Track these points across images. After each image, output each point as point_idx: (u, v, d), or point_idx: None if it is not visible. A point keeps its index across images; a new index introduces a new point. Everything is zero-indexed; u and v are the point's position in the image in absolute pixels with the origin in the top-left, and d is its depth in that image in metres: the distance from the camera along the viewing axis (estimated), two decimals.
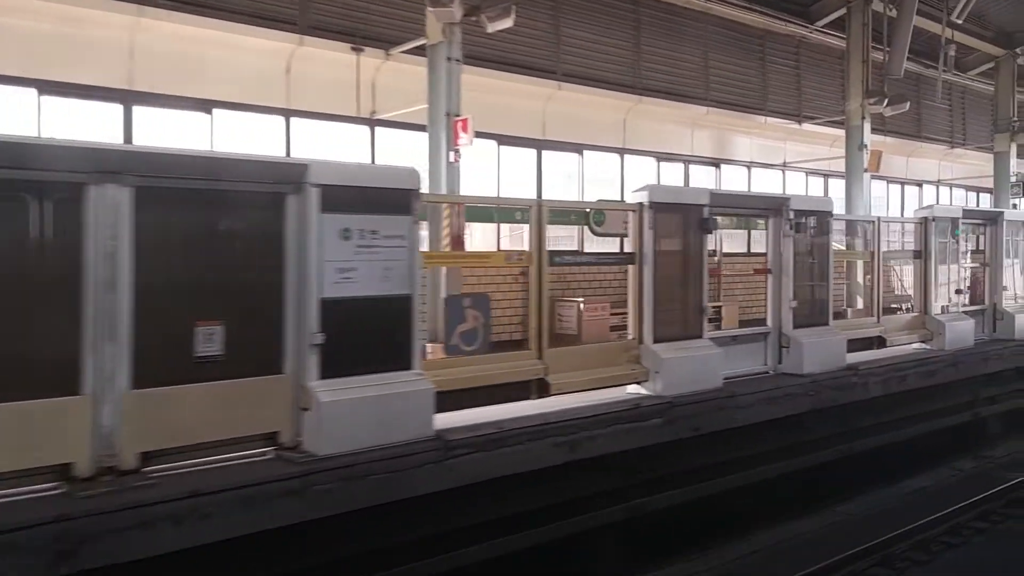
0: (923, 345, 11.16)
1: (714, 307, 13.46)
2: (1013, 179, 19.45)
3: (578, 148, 12.96)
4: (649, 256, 7.50)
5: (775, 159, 16.45)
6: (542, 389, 6.69)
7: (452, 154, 9.14)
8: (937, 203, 21.00)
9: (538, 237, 6.71)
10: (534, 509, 6.21)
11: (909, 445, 10.50)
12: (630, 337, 7.60)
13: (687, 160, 14.75)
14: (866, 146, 15.19)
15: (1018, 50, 19.18)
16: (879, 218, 10.26)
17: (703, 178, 15.30)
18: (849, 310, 13.89)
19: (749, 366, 8.98)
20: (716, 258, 11.02)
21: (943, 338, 10.98)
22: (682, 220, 7.93)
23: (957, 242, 11.25)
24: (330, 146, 10.06)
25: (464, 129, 9.03)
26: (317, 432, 5.25)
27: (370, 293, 5.55)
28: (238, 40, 9.08)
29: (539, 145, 12.47)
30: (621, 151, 13.63)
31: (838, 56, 16.27)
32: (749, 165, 15.92)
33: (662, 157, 14.25)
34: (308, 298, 5.31)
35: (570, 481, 6.58)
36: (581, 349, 7.15)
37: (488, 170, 12.18)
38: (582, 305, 11.77)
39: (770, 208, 8.97)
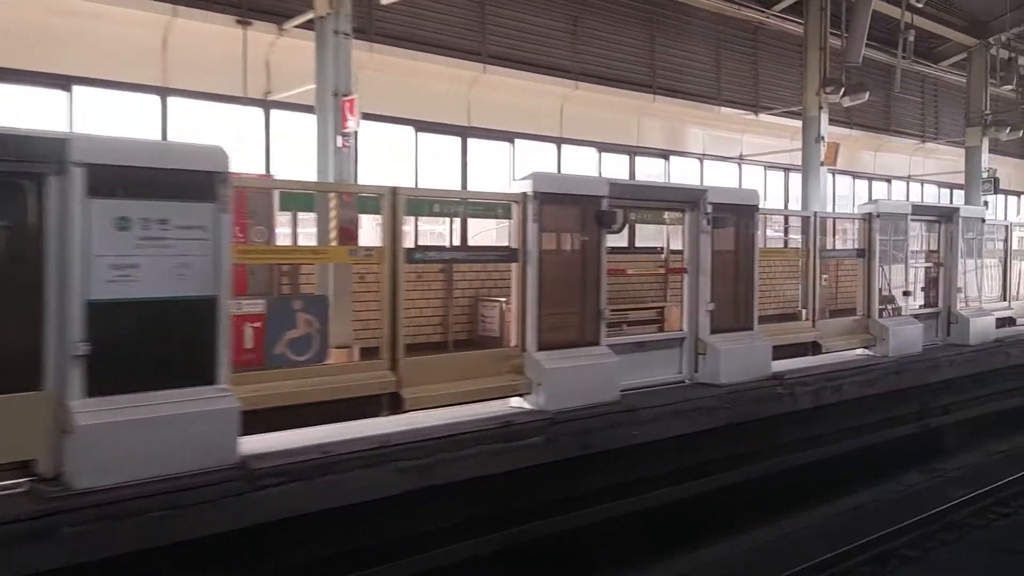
0: (866, 351, 10.37)
1: (656, 308, 12.78)
2: (985, 175, 18.67)
3: (509, 136, 12.12)
4: (533, 253, 6.65)
5: (731, 151, 15.62)
6: (394, 405, 5.85)
7: (339, 138, 8.27)
8: (908, 199, 20.22)
9: (392, 230, 5.86)
10: (370, 546, 5.38)
11: (850, 460, 9.73)
12: (512, 344, 6.77)
13: (633, 151, 13.92)
14: (823, 138, 14.37)
15: (991, 40, 18.38)
16: (816, 213, 9.43)
17: (652, 171, 14.48)
18: (803, 311, 13.13)
19: (661, 375, 8.17)
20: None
21: (887, 344, 10.18)
22: (575, 213, 7.09)
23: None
24: (218, 129, 9.18)
25: (351, 111, 8.16)
26: (78, 460, 4.41)
27: (158, 295, 4.70)
28: (103, 9, 8.19)
29: (464, 132, 11.61)
30: (558, 140, 12.79)
31: (798, 43, 15.44)
32: (702, 157, 15.09)
33: (604, 147, 13.41)
34: (70, 300, 4.45)
35: (424, 512, 5.76)
36: (448, 358, 6.31)
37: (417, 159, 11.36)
38: (506, 305, 10.92)
39: (686, 201, 8.14)
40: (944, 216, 11.58)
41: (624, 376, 7.60)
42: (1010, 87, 18.40)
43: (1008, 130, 18.11)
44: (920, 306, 11.44)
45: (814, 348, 9.56)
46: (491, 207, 8.03)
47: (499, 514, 6.08)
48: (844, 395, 9.31)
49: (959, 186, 20.27)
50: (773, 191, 16.74)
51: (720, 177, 15.72)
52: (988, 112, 18.53)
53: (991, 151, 22.56)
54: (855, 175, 18.72)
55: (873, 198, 18.47)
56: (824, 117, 14.36)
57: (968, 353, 11.34)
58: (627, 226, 12.89)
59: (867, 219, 10.22)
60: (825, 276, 13.04)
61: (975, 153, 18.71)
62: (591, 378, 6.87)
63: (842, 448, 9.37)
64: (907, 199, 20.08)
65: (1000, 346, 12.03)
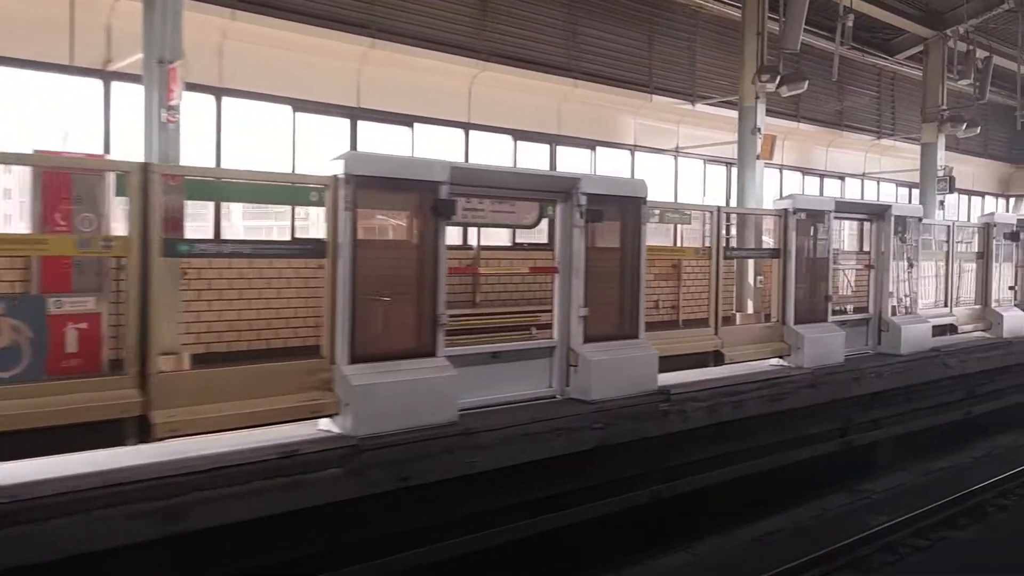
0: (780, 361, 9.41)
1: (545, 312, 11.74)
2: (940, 173, 17.80)
3: (407, 120, 11.06)
4: (345, 247, 5.61)
5: (666, 143, 14.64)
6: (143, 432, 4.80)
7: (164, 112, 7.19)
8: (862, 198, 19.34)
9: (141, 216, 4.80)
10: None
11: (759, 483, 8.78)
12: (323, 355, 5.73)
13: (553, 139, 12.90)
14: (759, 130, 13.41)
15: (948, 32, 17.50)
16: (719, 208, 8.42)
17: (577, 162, 13.48)
18: (738, 315, 12.19)
19: (529, 390, 7.16)
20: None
21: (802, 353, 9.22)
22: (405, 201, 6.06)
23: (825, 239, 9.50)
24: (40, 103, 8.09)
25: (175, 81, 7.09)
26: None
27: None
28: None
29: (353, 115, 10.55)
30: (465, 125, 11.75)
31: (738, 29, 14.45)
32: (633, 148, 14.09)
33: (520, 135, 12.38)
34: None
35: (176, 562, 4.72)
36: (228, 373, 5.25)
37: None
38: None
39: (553, 190, 7.12)
40: (874, 214, 10.63)
41: (480, 392, 6.62)
42: (968, 81, 17.52)
43: (964, 126, 17.22)
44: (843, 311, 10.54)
45: (716, 359, 8.58)
46: (297, 193, 6.95)
47: (273, 566, 5.06)
48: (747, 411, 8.33)
49: (917, 184, 19.41)
50: (714, 186, 15.79)
51: (656, 171, 14.77)
52: (944, 107, 17.63)
53: (956, 150, 21.81)
54: (805, 171, 17.80)
55: (826, 196, 17.56)
56: (761, 108, 13.39)
57: (898, 364, 10.40)
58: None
59: (783, 216, 9.24)
60: (760, 277, 12.19)
61: (930, 150, 17.81)
62: (418, 395, 5.83)
63: (747, 470, 8.41)
64: (861, 198, 19.24)
65: (936, 356, 11.11)
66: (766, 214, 9.55)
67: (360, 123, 10.64)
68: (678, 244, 13.35)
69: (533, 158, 12.51)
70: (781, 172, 17.02)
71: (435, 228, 6.07)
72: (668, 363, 8.13)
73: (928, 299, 12.40)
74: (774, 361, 9.39)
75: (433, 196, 6.01)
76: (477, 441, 6.02)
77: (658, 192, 14.44)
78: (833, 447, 9.82)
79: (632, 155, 14.05)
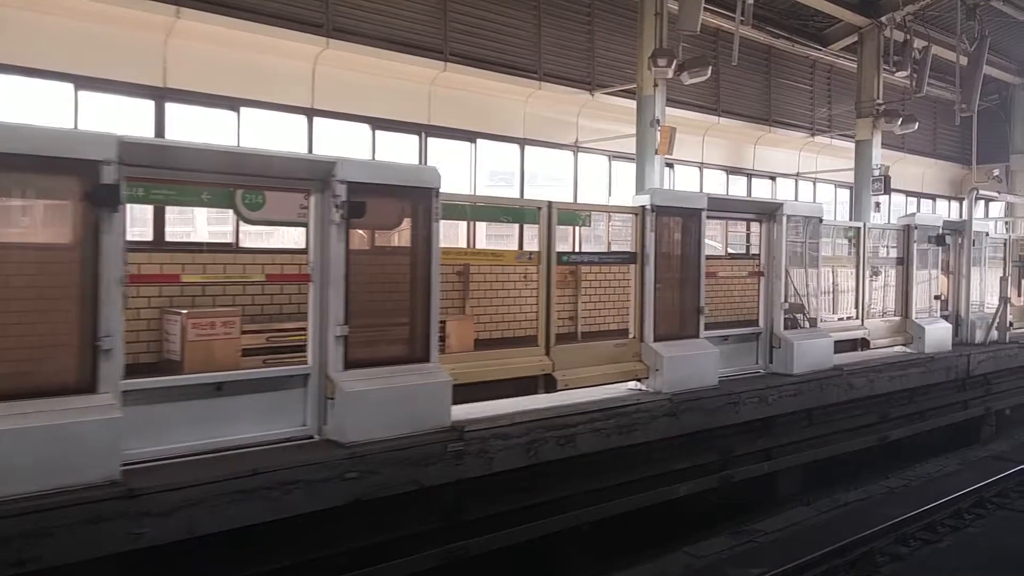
0: (638, 385, 8.02)
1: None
2: (876, 172, 16.55)
3: (233, 104, 9.62)
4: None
5: (564, 137, 13.25)
6: None
7: None
8: (796, 199, 18.05)
9: None
10: None
11: (617, 528, 7.40)
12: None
13: (423, 129, 11.48)
14: (658, 122, 12.06)
15: (883, 20, 16.25)
16: (551, 203, 7.02)
17: (458, 155, 12.08)
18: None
19: (282, 428, 5.71)
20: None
21: (662, 376, 7.84)
22: (46, 186, 4.62)
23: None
24: None
25: None
26: None
27: None
28: None
29: (158, 95, 9.10)
30: (309, 112, 10.32)
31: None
32: (522, 142, 12.72)
33: (381, 124, 10.96)
34: None
35: None
36: None
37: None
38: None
39: (309, 179, 5.70)
40: (764, 213, 9.27)
41: (195, 435, 5.20)
42: (905, 74, 16.27)
43: (900, 121, 15.95)
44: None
45: (547, 384, 7.17)
46: None
47: None
48: (580, 448, 6.94)
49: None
50: (625, 184, 14.41)
51: (557, 166, 13.40)
52: (880, 102, 16.36)
53: (902, 150, 20.61)
54: (731, 171, 16.46)
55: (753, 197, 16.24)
56: (660, 97, 12.03)
57: (789, 386, 9.05)
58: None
59: (639, 214, 7.86)
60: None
61: (865, 148, 16.51)
62: (55, 445, 4.39)
63: (581, 518, 6.96)
64: (795, 199, 17.95)
65: (839, 375, 9.77)
66: (616, 211, 8.15)
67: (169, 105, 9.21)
68: (576, 248, 11.95)
69: (398, 151, 11.09)
70: (701, 171, 15.68)
71: (96, 222, 4.63)
72: (481, 391, 6.73)
73: (844, 310, 11.12)
74: (632, 384, 8.02)
75: (90, 180, 4.58)
76: (145, 506, 4.57)
77: (558, 192, 13.21)
78: (708, 483, 8.45)
79: (522, 149, 12.65)
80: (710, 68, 11.83)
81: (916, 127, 16.58)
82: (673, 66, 11.50)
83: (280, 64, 9.91)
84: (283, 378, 5.72)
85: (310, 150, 10.08)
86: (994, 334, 13.06)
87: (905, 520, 8.13)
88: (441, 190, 6.12)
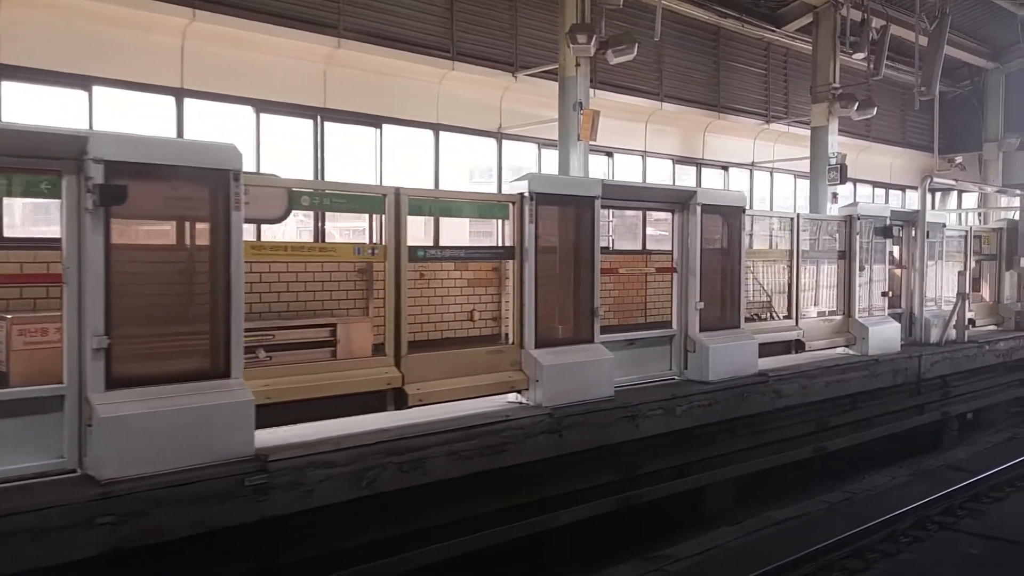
0: (518, 398, 7.04)
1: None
2: (832, 160, 15.61)
3: (84, 82, 8.58)
4: None
5: (486, 123, 12.24)
6: None
7: None
8: (751, 189, 17.09)
9: None
10: None
11: (479, 563, 6.41)
12: None
13: (318, 113, 10.45)
14: (581, 105, 11.09)
15: None
16: (398, 190, 5.99)
17: (364, 143, 11.08)
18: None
19: (27, 462, 4.73)
20: None
21: (541, 387, 6.86)
22: None
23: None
24: None
25: None
26: None
27: None
28: None
29: None
30: (178, 92, 9.28)
31: None
32: (436, 127, 11.71)
33: (266, 107, 9.93)
34: None
35: None
36: None
37: None
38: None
39: (56, 157, 4.68)
40: (675, 202, 8.28)
41: None
42: (863, 55, 15.29)
43: (857, 106, 14.97)
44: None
45: (397, 400, 6.19)
46: None
47: None
48: (429, 474, 5.94)
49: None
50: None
51: (481, 153, 12.41)
52: (837, 85, 15.39)
53: (867, 138, 19.66)
54: (677, 160, 15.48)
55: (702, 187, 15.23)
56: (583, 78, 11.04)
57: (702, 395, 8.08)
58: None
59: (517, 203, 6.87)
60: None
61: (821, 134, 15.52)
62: None
63: (431, 556, 5.97)
64: (750, 189, 17.01)
65: (764, 382, 8.81)
66: (488, 200, 7.13)
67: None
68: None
69: (292, 136, 10.08)
70: (644, 160, 14.69)
71: None
72: (320, 410, 5.75)
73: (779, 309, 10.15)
74: (512, 397, 7.04)
75: None
76: None
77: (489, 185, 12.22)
78: (603, 507, 7.47)
79: (436, 136, 11.64)
80: (636, 46, 10.83)
81: (875, 112, 15.58)
82: (594, 43, 10.50)
83: (141, 38, 8.87)
84: (39, 399, 4.72)
85: (178, 133, 9.07)
86: (951, 333, 12.13)
87: (831, 545, 7.20)
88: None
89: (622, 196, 7.77)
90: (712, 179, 16.21)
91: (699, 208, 8.16)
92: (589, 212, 7.22)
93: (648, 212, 12.64)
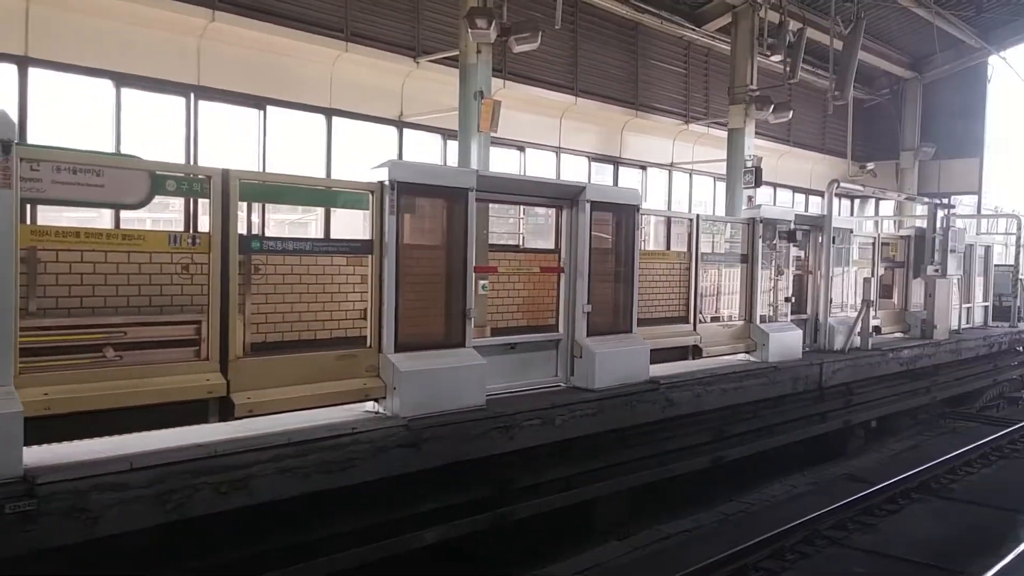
0: (376, 407, 6.39)
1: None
2: (748, 163, 15.41)
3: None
4: None
5: (384, 110, 11.55)
6: None
7: None
8: (669, 191, 16.80)
9: None
10: None
11: None
12: None
13: (192, 91, 9.59)
14: (482, 94, 10.52)
15: None
16: (227, 172, 5.27)
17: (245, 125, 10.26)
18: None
19: None
20: None
21: (398, 396, 6.20)
22: None
23: None
24: None
25: None
26: None
27: None
28: None
29: None
30: (21, 60, 8.34)
31: None
32: (329, 112, 10.98)
33: (126, 81, 9.01)
34: None
35: None
36: None
37: None
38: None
39: None
40: (562, 198, 7.76)
41: None
42: (779, 58, 15.12)
43: (772, 108, 14.78)
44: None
45: (222, 410, 5.48)
46: None
47: None
48: (255, 496, 5.22)
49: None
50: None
51: (381, 142, 11.70)
52: (754, 87, 15.18)
53: (787, 142, 19.62)
54: (593, 157, 15.05)
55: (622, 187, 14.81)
56: (484, 66, 10.45)
57: (586, 403, 7.56)
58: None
59: (378, 192, 6.22)
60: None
61: (737, 137, 15.28)
62: None
63: None
64: (668, 190, 16.73)
65: (653, 390, 8.36)
66: (343, 188, 6.44)
67: None
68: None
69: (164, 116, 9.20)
70: (558, 156, 14.21)
71: None
72: (113, 423, 4.98)
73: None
74: (369, 406, 6.39)
75: None
76: None
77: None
78: (470, 526, 6.87)
79: (328, 120, 10.88)
80: (540, 34, 10.28)
81: (791, 116, 15.44)
82: (494, 28, 9.92)
83: None
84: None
85: (23, 109, 8.12)
86: (856, 340, 11.97)
87: (718, 561, 6.76)
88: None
89: (500, 189, 7.19)
90: (630, 179, 15.84)
91: (588, 205, 7.65)
92: (462, 205, 6.61)
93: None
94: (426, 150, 12.21)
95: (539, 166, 13.97)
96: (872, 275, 12.72)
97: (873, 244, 13.28)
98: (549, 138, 14.01)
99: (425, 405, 6.26)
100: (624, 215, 8.13)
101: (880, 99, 22.31)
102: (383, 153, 11.73)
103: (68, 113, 8.60)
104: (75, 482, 4.44)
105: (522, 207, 9.96)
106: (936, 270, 13.60)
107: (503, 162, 13.07)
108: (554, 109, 13.81)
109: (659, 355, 8.92)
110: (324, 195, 6.49)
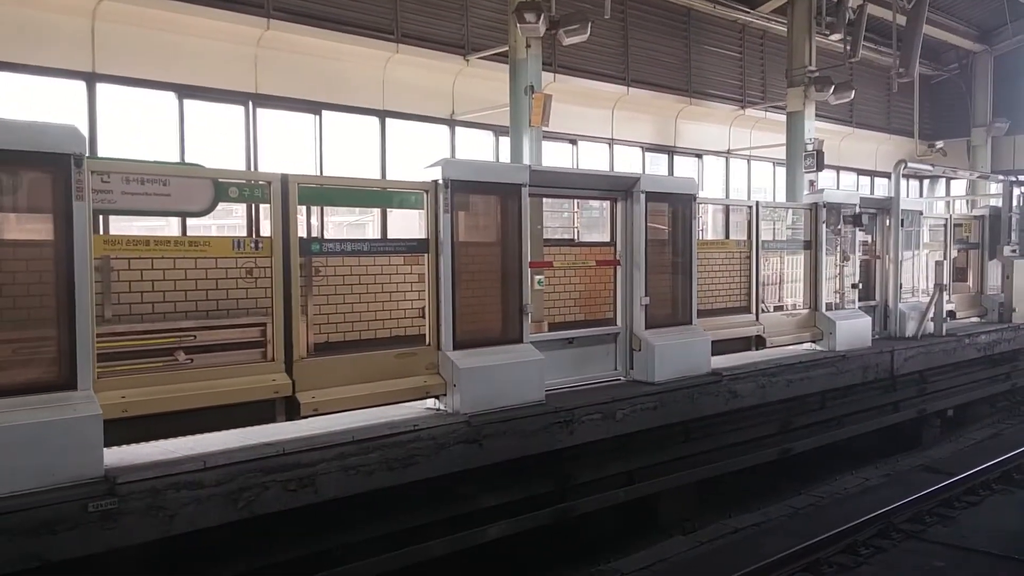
0: (436, 404, 6.43)
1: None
2: (809, 147, 14.97)
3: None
4: None
5: (437, 109, 11.62)
6: None
7: None
8: (727, 179, 16.48)
9: None
10: None
11: None
12: None
13: (251, 100, 9.81)
14: (532, 88, 10.48)
15: None
16: (286, 177, 5.34)
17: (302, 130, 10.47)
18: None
19: None
20: None
21: (459, 392, 6.19)
22: None
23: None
24: None
25: None
26: None
27: None
28: None
29: None
30: (89, 77, 8.62)
31: None
32: (382, 114, 11.08)
33: (188, 93, 9.20)
34: None
35: None
36: None
37: None
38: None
39: None
40: (616, 190, 7.66)
41: None
42: (839, 36, 14.65)
43: (833, 89, 14.33)
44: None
45: (289, 409, 5.57)
46: None
47: None
48: (321, 493, 5.33)
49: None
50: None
51: (434, 142, 11.79)
52: (813, 68, 14.74)
53: (849, 123, 19.01)
54: (647, 147, 14.85)
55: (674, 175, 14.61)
56: (535, 60, 10.43)
57: (646, 397, 7.41)
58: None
59: (432, 191, 6.23)
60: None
61: (797, 120, 14.86)
62: None
63: None
64: (726, 177, 16.40)
65: (716, 382, 8.10)
66: (398, 189, 6.48)
67: None
68: None
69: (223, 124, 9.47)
70: (611, 147, 14.08)
71: None
72: (186, 423, 5.15)
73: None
74: (430, 403, 6.44)
75: None
76: None
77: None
78: (535, 521, 6.87)
79: (382, 122, 11.01)
80: (589, 25, 10.20)
81: (852, 96, 14.94)
82: (543, 22, 9.88)
83: (40, 17, 8.24)
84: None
85: (92, 124, 8.47)
86: (928, 326, 11.53)
87: (789, 556, 6.61)
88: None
89: (554, 183, 7.16)
90: (686, 167, 15.60)
91: (643, 196, 7.56)
92: (515, 201, 6.61)
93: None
94: (478, 147, 12.25)
95: (592, 159, 13.87)
96: (945, 258, 12.22)
97: (945, 226, 12.77)
98: (601, 130, 13.90)
99: (485, 401, 6.30)
100: (680, 205, 8.01)
101: (948, 74, 21.40)
102: (436, 152, 11.84)
103: (134, 125, 8.92)
104: (152, 481, 4.61)
105: (576, 201, 9.91)
106: (1014, 250, 12.99)
107: (556, 156, 13.03)
108: (606, 100, 13.69)
109: (721, 346, 8.76)
110: (379, 196, 6.58)
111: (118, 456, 4.84)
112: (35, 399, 4.42)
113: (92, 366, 4.64)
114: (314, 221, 8.03)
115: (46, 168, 4.42)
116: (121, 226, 8.04)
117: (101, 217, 7.99)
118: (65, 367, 4.53)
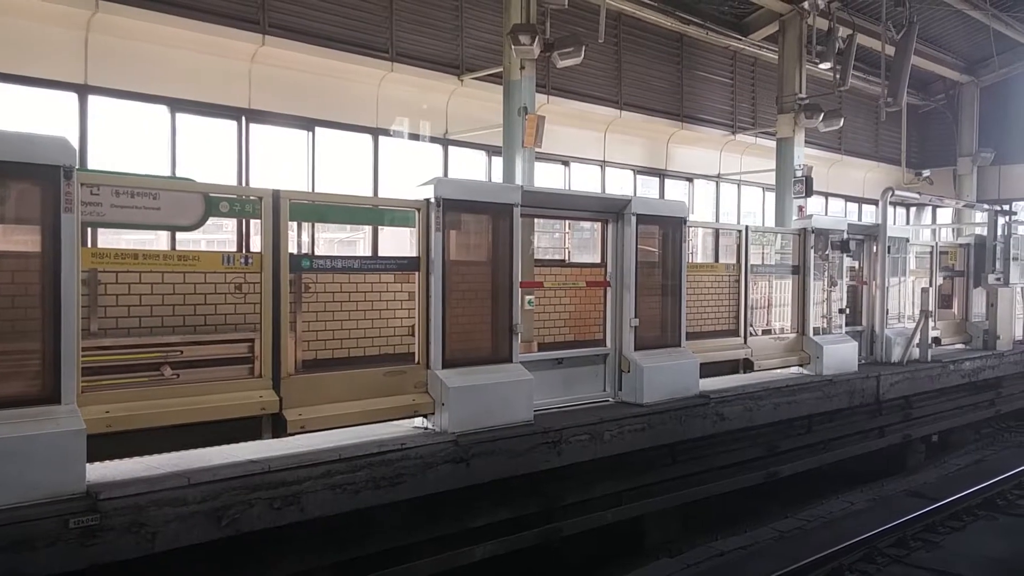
0: (424, 423, 6.40)
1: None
2: (798, 173, 15.12)
3: None
4: None
5: (430, 128, 11.69)
6: None
7: None
8: (716, 203, 16.60)
9: None
10: None
11: None
12: None
13: (244, 115, 9.82)
14: (526, 109, 10.55)
15: (806, 5, 14.84)
16: (277, 192, 5.36)
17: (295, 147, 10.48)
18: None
19: None
20: None
21: (447, 411, 6.17)
22: None
23: None
24: None
25: None
26: None
27: None
28: None
29: None
30: (81, 89, 8.58)
31: None
32: (375, 132, 11.12)
33: (181, 107, 9.18)
34: None
35: None
36: None
37: None
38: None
39: None
40: (607, 211, 7.70)
41: None
42: (829, 65, 14.86)
43: (822, 116, 14.51)
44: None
45: (276, 426, 5.53)
46: None
47: None
48: (306, 511, 5.29)
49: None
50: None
51: (427, 160, 11.83)
52: (803, 96, 14.92)
53: (837, 151, 19.23)
54: (639, 170, 14.95)
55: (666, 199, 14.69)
56: (528, 82, 10.50)
57: (635, 418, 7.41)
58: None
59: (424, 209, 6.23)
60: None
61: (787, 146, 15.04)
62: None
63: None
64: (716, 202, 16.53)
65: (704, 404, 8.15)
66: (389, 207, 6.50)
67: None
68: None
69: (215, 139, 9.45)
70: (603, 169, 14.15)
71: None
72: (171, 439, 5.10)
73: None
74: (418, 422, 6.41)
75: None
76: None
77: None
78: (520, 542, 6.83)
79: (375, 140, 11.05)
80: (583, 49, 10.30)
81: (842, 123, 15.14)
82: (538, 44, 9.97)
83: (36, 29, 8.23)
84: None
85: (83, 136, 8.44)
86: (914, 352, 11.61)
87: None
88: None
89: (546, 204, 7.20)
90: (676, 191, 15.70)
91: (634, 218, 7.60)
92: (507, 221, 6.63)
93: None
94: (471, 167, 12.30)
95: (584, 180, 13.95)
96: (930, 285, 12.34)
97: (931, 253, 12.90)
98: (594, 152, 13.99)
99: (473, 421, 6.27)
100: (671, 228, 8.05)
101: (935, 104, 21.72)
102: (429, 171, 11.88)
103: (125, 138, 8.90)
104: (135, 497, 4.56)
105: (568, 222, 9.95)
106: (998, 279, 13.14)
107: (548, 177, 13.10)
108: (598, 123, 13.79)
109: (709, 369, 8.79)
110: (371, 213, 6.60)
111: (101, 472, 4.79)
112: (17, 413, 4.36)
113: (77, 380, 4.60)
114: (305, 237, 8.02)
115: (35, 180, 4.40)
116: (109, 239, 8.00)
117: (89, 230, 7.95)
118: (49, 381, 4.48)
